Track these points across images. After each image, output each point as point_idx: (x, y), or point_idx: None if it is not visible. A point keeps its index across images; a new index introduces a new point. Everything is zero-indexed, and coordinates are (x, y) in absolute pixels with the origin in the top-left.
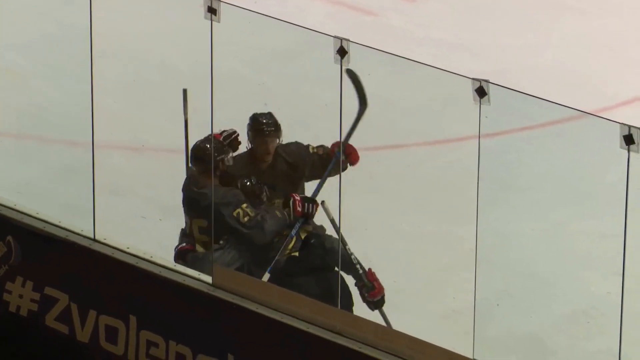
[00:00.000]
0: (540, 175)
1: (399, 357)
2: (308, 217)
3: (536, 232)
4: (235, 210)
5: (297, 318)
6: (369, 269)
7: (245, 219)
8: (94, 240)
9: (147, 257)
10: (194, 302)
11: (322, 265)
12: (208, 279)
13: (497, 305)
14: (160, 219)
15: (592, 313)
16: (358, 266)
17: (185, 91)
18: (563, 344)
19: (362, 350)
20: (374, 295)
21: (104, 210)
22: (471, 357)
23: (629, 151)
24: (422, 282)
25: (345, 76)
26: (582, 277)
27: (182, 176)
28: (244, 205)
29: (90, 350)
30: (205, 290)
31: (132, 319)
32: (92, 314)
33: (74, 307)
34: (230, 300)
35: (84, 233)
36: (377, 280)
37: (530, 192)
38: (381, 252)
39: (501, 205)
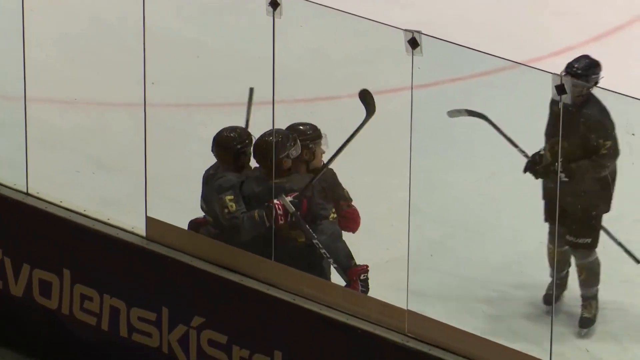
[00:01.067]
0: (472, 126)
1: (334, 308)
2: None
3: (469, 182)
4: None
5: (232, 271)
6: (353, 267)
7: (225, 210)
8: (27, 194)
9: (80, 210)
10: (128, 255)
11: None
12: (142, 232)
13: (431, 255)
14: (93, 173)
15: (525, 263)
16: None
17: (251, 90)
18: (495, 294)
19: (296, 302)
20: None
21: (37, 165)
22: (405, 308)
23: (561, 101)
24: (355, 233)
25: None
26: (515, 228)
27: (116, 129)
28: (229, 197)
29: (24, 304)
30: (139, 243)
31: (66, 273)
32: (26, 268)
33: (7, 262)
34: (165, 253)
35: (16, 187)
36: (356, 281)
37: (462, 143)
38: None
39: (434, 156)
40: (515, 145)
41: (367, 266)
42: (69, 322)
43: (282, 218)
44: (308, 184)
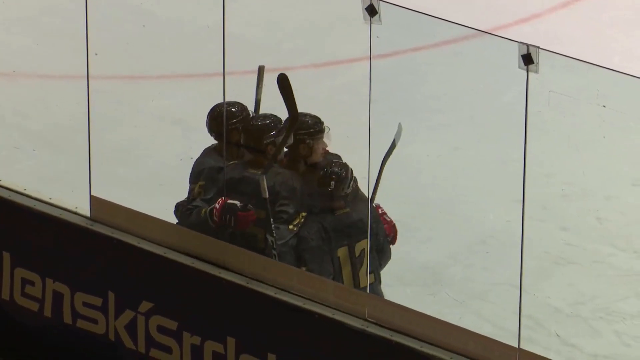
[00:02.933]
0: (435, 97)
1: (288, 291)
2: (228, 226)
3: (432, 157)
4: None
5: (182, 253)
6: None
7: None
8: None
9: (20, 189)
10: (72, 237)
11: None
12: (86, 212)
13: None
14: (34, 150)
15: (491, 242)
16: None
17: (261, 68)
18: (460, 275)
19: (250, 285)
20: None
21: None
22: (365, 291)
23: (527, 71)
24: None
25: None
26: (481, 205)
27: (57, 103)
28: (200, 183)
29: None
30: (83, 224)
31: (6, 256)
32: None
33: None
34: (110, 234)
35: None
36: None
37: (425, 115)
38: None
39: (395, 130)
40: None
41: None
42: (10, 309)
43: (217, 216)
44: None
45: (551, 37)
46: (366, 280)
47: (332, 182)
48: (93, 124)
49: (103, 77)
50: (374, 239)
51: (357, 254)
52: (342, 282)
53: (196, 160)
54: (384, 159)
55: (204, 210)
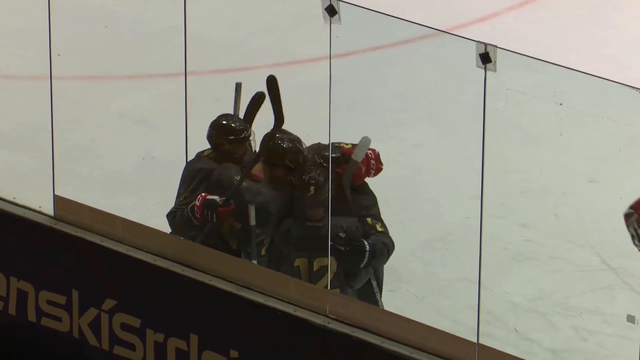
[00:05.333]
0: (394, 96)
1: (252, 289)
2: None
3: (390, 155)
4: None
5: (144, 251)
6: None
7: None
8: None
9: None
10: (36, 236)
11: None
12: (50, 211)
13: None
14: None
15: (450, 239)
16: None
17: (239, 85)
18: (419, 272)
19: (212, 282)
20: None
21: None
22: (326, 288)
23: (485, 70)
24: None
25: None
26: (439, 202)
27: (20, 103)
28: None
29: None
30: (47, 223)
31: None
32: None
33: None
34: (74, 233)
35: None
36: None
37: (384, 113)
38: None
39: (353, 128)
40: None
41: None
42: None
43: (198, 212)
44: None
45: (509, 36)
46: None
47: (312, 188)
48: (56, 124)
49: (66, 78)
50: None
51: (315, 268)
52: None
53: (188, 165)
54: (345, 177)
55: (186, 209)
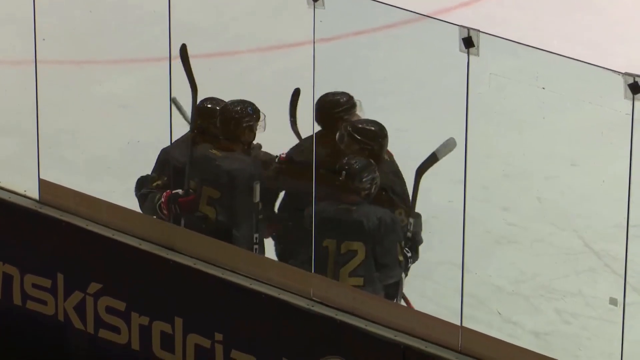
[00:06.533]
0: (377, 80)
1: (237, 272)
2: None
3: None
4: None
5: (130, 235)
6: None
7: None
8: None
9: None
10: (21, 219)
11: None
12: (35, 195)
13: None
14: None
15: (433, 222)
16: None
17: (174, 99)
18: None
19: (197, 266)
20: None
21: None
22: (310, 272)
23: (468, 54)
24: None
25: None
26: (422, 186)
27: (4, 87)
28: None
29: None
30: (32, 207)
31: None
32: None
33: None
34: (59, 217)
35: None
36: None
37: (367, 98)
38: None
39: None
40: None
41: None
42: None
43: (165, 208)
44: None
45: (492, 20)
46: (350, 281)
47: (343, 173)
48: (41, 108)
49: (51, 62)
50: (379, 249)
51: (342, 251)
52: (325, 271)
53: (163, 149)
54: (420, 169)
55: (157, 197)
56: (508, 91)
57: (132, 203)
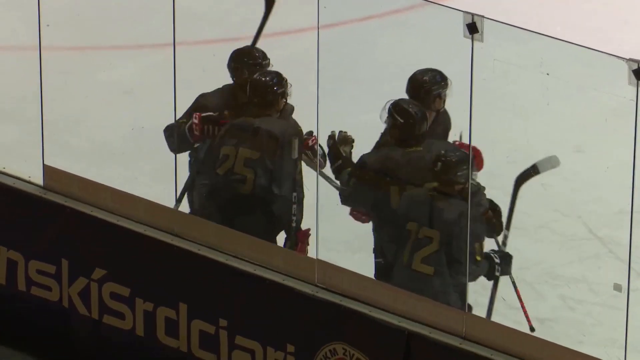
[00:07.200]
0: (381, 66)
1: (241, 258)
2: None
3: (377, 124)
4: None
5: (134, 220)
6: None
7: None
8: None
9: None
10: (26, 205)
11: None
12: (39, 181)
13: (337, 205)
14: None
15: None
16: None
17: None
18: None
19: (201, 252)
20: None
21: None
22: (314, 257)
23: (472, 40)
24: None
25: None
26: None
27: (8, 73)
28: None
29: None
30: (37, 193)
31: None
32: None
33: None
34: (63, 203)
35: None
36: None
37: (370, 84)
38: None
39: (341, 98)
40: None
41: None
42: None
43: (198, 130)
44: None
45: (496, 7)
46: (421, 267)
47: (439, 164)
48: (45, 94)
49: (55, 48)
50: (454, 243)
51: (419, 236)
52: (403, 254)
53: (201, 94)
54: (519, 178)
55: (183, 127)
56: (512, 77)
57: (136, 189)
